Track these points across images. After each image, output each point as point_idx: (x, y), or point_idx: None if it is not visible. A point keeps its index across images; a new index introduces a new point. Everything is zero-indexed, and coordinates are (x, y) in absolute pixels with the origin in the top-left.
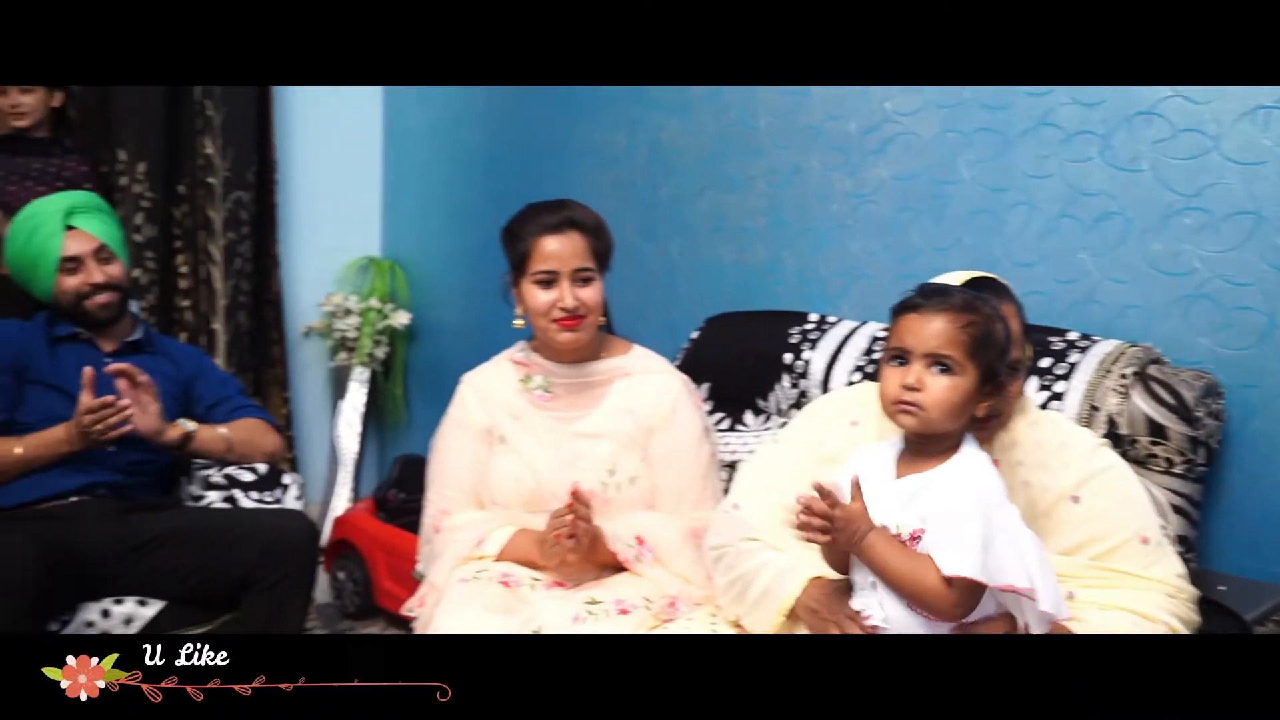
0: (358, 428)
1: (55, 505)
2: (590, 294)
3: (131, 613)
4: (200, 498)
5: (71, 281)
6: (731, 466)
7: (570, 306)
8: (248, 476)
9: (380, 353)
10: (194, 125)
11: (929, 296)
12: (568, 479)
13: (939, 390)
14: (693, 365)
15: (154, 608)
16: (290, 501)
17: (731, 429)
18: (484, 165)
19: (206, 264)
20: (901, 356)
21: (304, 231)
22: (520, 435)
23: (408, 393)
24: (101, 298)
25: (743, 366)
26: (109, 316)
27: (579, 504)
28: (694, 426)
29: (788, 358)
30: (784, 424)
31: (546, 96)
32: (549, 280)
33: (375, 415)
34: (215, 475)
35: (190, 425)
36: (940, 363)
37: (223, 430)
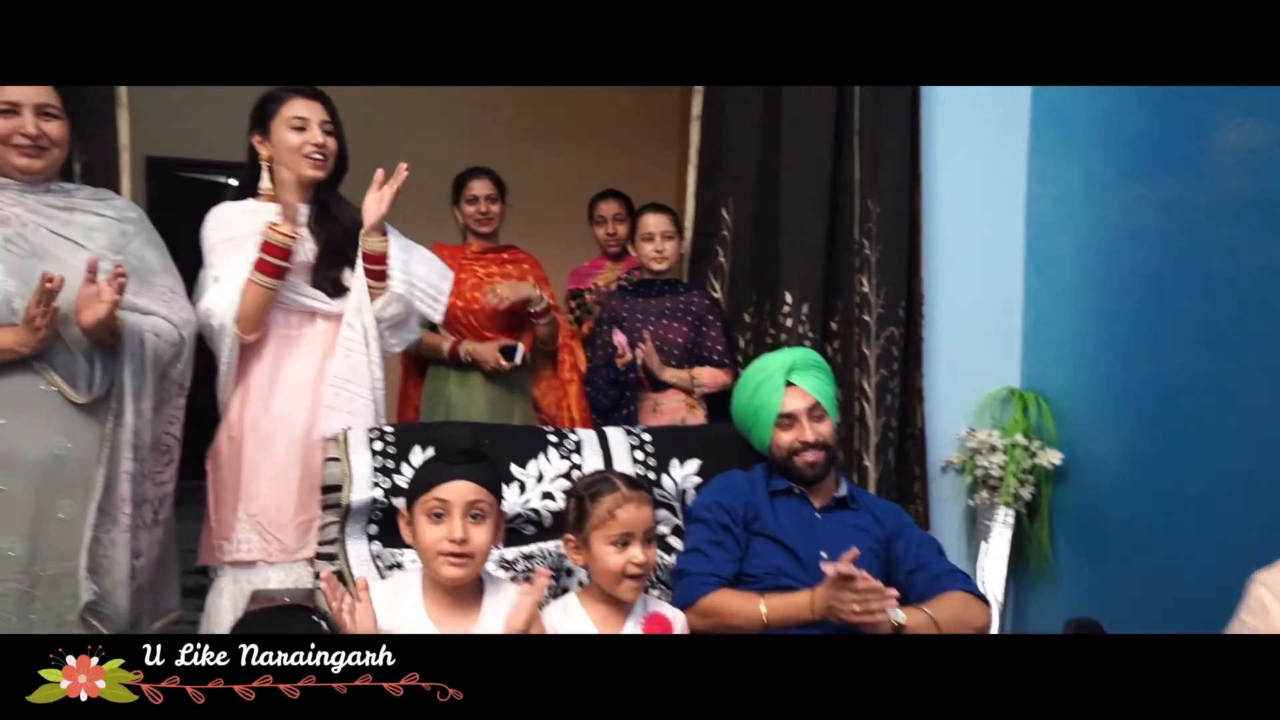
0: (1003, 573)
1: None
2: None
3: None
4: None
5: (786, 437)
6: None
7: None
8: None
9: (1026, 493)
10: (853, 265)
11: None
12: None
13: None
14: None
15: None
16: None
17: None
18: (1155, 291)
19: (860, 400)
20: None
21: (944, 364)
22: None
23: (1054, 538)
24: (810, 455)
25: None
26: (815, 475)
27: None
28: None
29: None
30: None
31: (1241, 208)
32: None
33: (1019, 559)
34: None
35: (900, 616)
36: None
37: (930, 611)
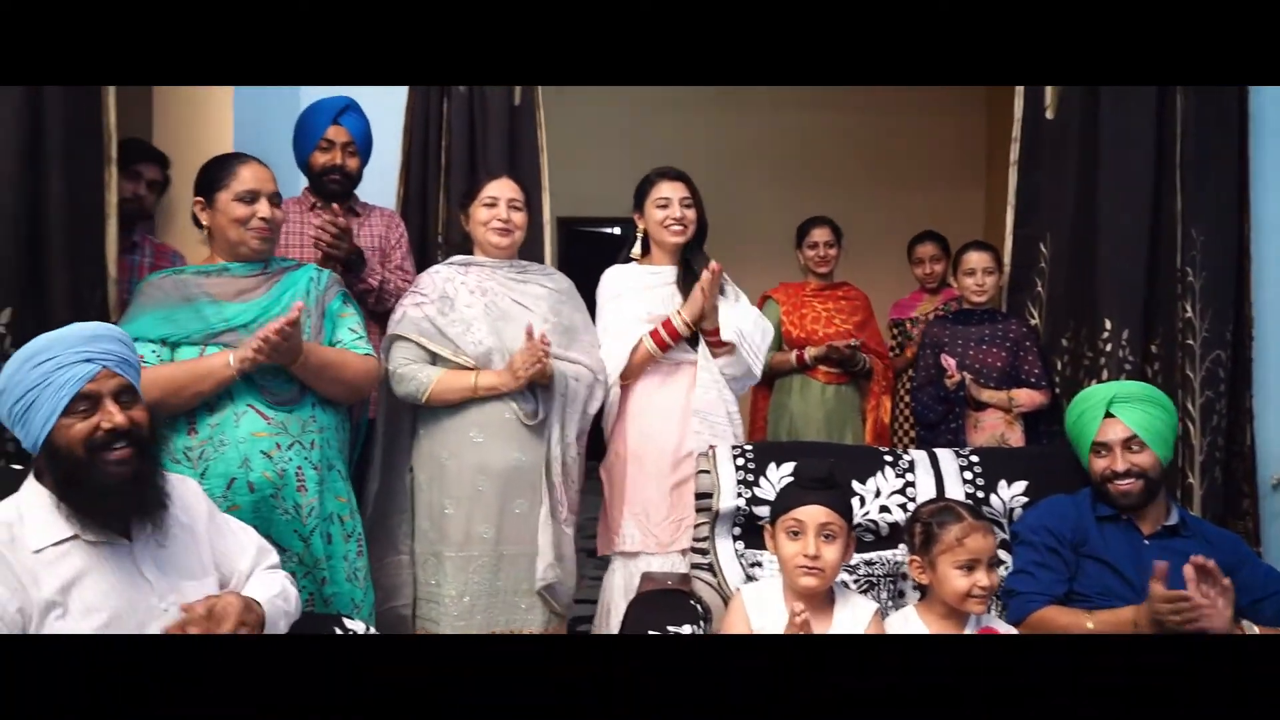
0: None
1: None
2: None
3: None
4: None
5: (1099, 464)
6: None
7: None
8: None
9: None
10: (1175, 292)
11: None
12: None
13: None
14: None
15: None
16: None
17: None
18: None
19: (1184, 420)
20: None
21: (1276, 385)
22: None
23: None
24: (1122, 484)
25: None
26: (1127, 504)
27: None
28: None
29: None
30: None
31: None
32: None
33: None
34: None
35: (1254, 629)
36: None
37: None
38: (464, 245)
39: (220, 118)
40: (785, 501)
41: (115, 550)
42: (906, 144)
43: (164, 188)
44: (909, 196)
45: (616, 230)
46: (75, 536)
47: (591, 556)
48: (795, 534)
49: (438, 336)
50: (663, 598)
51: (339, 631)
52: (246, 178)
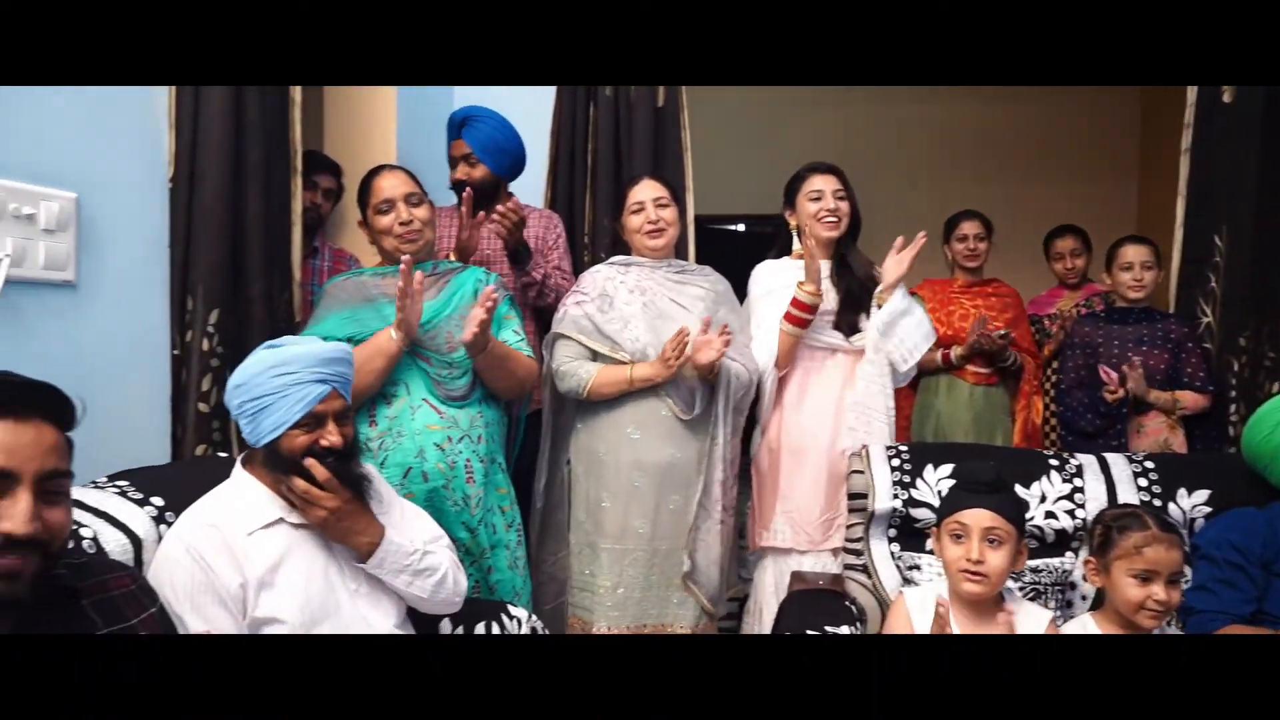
0: None
1: None
2: None
3: None
4: None
5: None
6: None
7: None
8: None
9: None
10: None
11: None
12: None
13: None
14: None
15: None
16: None
17: None
18: None
19: None
20: None
21: None
22: None
23: None
24: None
25: None
26: None
27: None
28: None
29: None
30: None
31: None
32: None
33: None
34: None
35: None
36: None
37: None
38: (615, 252)
39: (385, 126)
40: (950, 504)
41: (313, 535)
42: (1051, 134)
43: (338, 195)
44: (1054, 190)
45: (740, 227)
46: (280, 520)
47: (742, 550)
48: (958, 538)
49: (596, 334)
50: (817, 598)
51: (505, 617)
52: (380, 189)
